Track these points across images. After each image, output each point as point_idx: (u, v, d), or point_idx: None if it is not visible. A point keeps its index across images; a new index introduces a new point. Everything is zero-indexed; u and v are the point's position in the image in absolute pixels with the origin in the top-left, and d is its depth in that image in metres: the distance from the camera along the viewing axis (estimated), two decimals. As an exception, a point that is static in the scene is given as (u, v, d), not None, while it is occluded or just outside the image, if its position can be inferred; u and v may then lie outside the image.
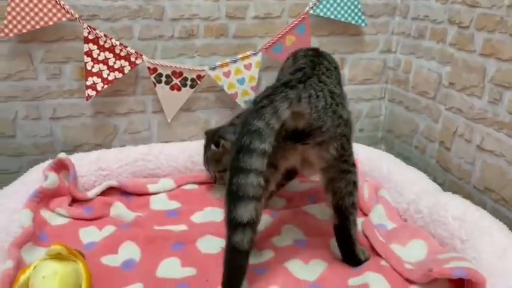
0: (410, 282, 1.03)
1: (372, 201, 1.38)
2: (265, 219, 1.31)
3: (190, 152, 1.59)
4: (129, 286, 1.05)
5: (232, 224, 0.94)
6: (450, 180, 1.50)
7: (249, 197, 0.92)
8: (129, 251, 1.18)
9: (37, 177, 1.37)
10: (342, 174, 1.08)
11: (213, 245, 1.20)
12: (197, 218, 1.36)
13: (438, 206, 1.22)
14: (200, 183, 1.55)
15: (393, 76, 1.82)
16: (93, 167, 1.47)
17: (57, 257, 0.97)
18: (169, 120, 1.68)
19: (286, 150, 1.04)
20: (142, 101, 1.66)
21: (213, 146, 1.42)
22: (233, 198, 0.93)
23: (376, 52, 1.80)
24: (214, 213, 1.37)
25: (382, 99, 1.88)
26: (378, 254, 1.16)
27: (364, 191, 1.41)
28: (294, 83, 0.98)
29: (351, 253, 1.12)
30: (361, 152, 1.54)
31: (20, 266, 1.03)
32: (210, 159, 1.45)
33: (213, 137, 1.46)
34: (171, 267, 1.13)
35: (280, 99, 0.93)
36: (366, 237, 1.23)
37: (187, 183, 1.54)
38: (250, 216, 0.93)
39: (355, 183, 1.11)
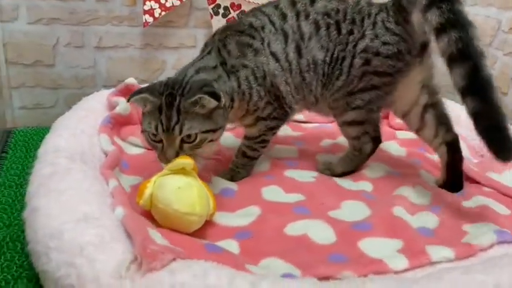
0: (529, 203, 1.04)
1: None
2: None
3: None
4: (246, 208, 0.98)
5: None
6: (506, 124, 1.53)
7: None
8: (223, 180, 1.09)
9: (96, 105, 1.24)
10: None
11: (303, 175, 1.14)
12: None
13: (523, 138, 1.24)
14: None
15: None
16: (152, 100, 1.34)
17: (180, 172, 0.87)
18: (220, 58, 1.57)
19: None
20: (193, 35, 1.54)
21: (205, 98, 0.89)
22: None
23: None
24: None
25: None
26: (472, 183, 1.16)
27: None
28: None
29: (458, 184, 1.11)
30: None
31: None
32: (193, 112, 0.90)
33: (190, 89, 0.91)
34: (276, 194, 1.06)
35: None
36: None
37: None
38: None
39: None
